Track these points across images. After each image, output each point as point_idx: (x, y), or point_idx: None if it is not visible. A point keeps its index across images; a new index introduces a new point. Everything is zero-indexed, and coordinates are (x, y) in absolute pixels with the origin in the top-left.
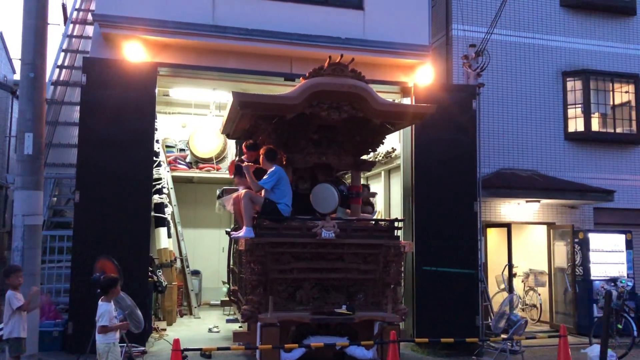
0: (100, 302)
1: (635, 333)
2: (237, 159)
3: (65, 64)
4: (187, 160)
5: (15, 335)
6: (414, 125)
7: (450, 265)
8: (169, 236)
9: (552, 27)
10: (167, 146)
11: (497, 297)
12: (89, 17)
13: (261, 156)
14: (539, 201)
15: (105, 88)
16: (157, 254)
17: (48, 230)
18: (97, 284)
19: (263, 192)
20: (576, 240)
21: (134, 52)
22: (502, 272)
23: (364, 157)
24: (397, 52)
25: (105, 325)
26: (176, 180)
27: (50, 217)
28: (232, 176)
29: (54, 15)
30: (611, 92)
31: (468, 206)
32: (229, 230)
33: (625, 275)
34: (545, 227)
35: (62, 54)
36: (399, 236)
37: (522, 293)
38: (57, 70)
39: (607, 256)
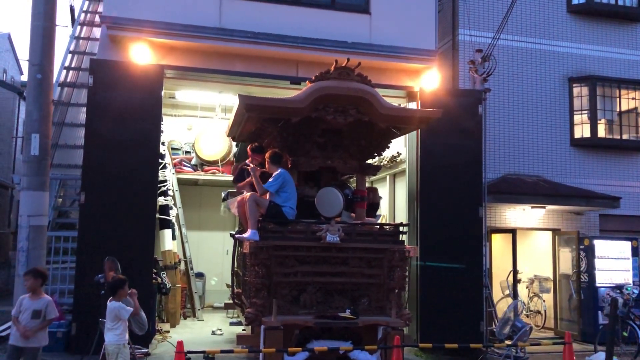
0: (111, 302)
1: None
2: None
3: (72, 65)
4: (193, 162)
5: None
6: (419, 130)
7: (454, 272)
8: (174, 238)
9: (559, 33)
10: (173, 148)
11: (501, 303)
12: (97, 19)
13: (266, 159)
14: (544, 207)
15: (111, 90)
16: (161, 256)
17: (53, 231)
18: (99, 285)
19: (268, 195)
20: (581, 246)
21: (141, 54)
22: (507, 278)
23: (369, 161)
24: (403, 57)
25: (130, 311)
26: (181, 182)
27: (55, 218)
28: (234, 182)
29: (62, 17)
30: (618, 99)
31: (473, 211)
32: (233, 232)
33: (631, 282)
34: (550, 233)
35: (69, 55)
36: (403, 241)
37: (527, 299)
38: (64, 71)
39: (613, 263)
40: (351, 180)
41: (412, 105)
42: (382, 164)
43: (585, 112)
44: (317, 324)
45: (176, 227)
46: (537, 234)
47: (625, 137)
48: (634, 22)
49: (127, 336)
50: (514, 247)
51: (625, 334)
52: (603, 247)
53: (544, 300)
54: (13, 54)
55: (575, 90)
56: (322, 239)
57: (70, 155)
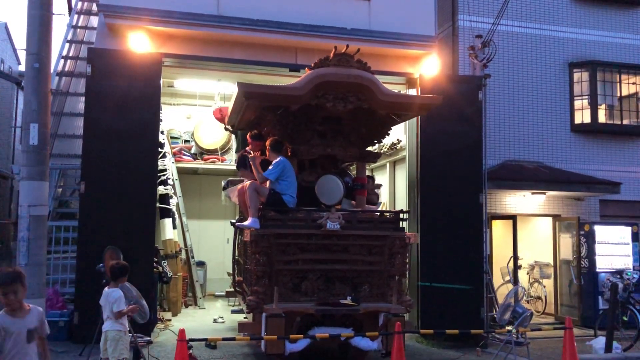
0: (109, 289)
1: None
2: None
3: (70, 54)
4: (192, 151)
5: None
6: (419, 117)
7: (454, 258)
8: (174, 227)
9: (559, 18)
10: (172, 137)
11: (502, 289)
12: (94, 7)
13: (267, 147)
14: (544, 193)
15: (110, 79)
16: (162, 245)
17: (53, 221)
18: (100, 274)
19: (268, 183)
20: (582, 232)
21: (139, 42)
22: (507, 264)
23: (369, 148)
24: (402, 43)
25: (121, 310)
26: (181, 171)
27: (55, 208)
28: (237, 169)
29: (59, 5)
30: (618, 84)
31: (473, 198)
32: (234, 221)
33: (631, 267)
34: (550, 219)
35: (67, 44)
36: (404, 228)
37: (527, 285)
38: (62, 60)
39: (613, 248)
40: (351, 168)
41: (412, 92)
42: (382, 151)
43: (586, 97)
44: (319, 311)
45: (176, 216)
46: (538, 220)
47: (625, 122)
48: (634, 7)
49: (127, 323)
50: (514, 233)
51: (625, 318)
52: (603, 233)
53: (544, 286)
54: (10, 44)
55: (576, 76)
56: (322, 226)
57: (70, 145)
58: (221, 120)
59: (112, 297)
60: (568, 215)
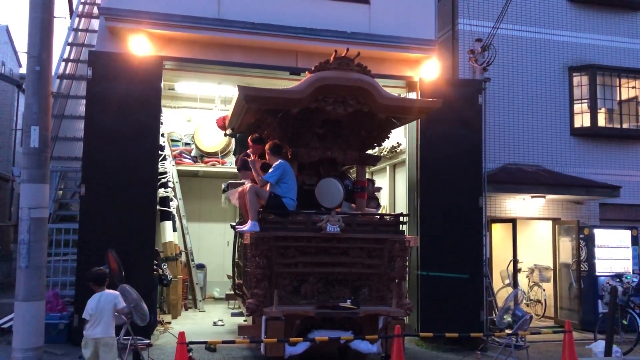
0: (99, 293)
1: None
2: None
3: (71, 57)
4: (192, 154)
5: None
6: (419, 120)
7: (454, 261)
8: (174, 230)
9: (559, 22)
10: (173, 140)
11: (501, 293)
12: (95, 10)
13: (267, 151)
14: (544, 196)
15: (111, 82)
16: (162, 248)
17: (54, 224)
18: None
19: (268, 186)
20: (581, 236)
21: (140, 45)
22: (507, 268)
23: (369, 151)
24: (403, 47)
25: (123, 308)
26: (181, 174)
27: (56, 211)
28: (238, 171)
29: (60, 8)
30: (618, 88)
31: (473, 201)
32: (234, 224)
33: (631, 271)
34: (550, 222)
35: (68, 47)
36: (404, 231)
37: (527, 288)
38: (63, 63)
39: (613, 252)
40: (351, 171)
41: (412, 95)
42: (382, 154)
43: (585, 101)
44: (318, 314)
45: (177, 218)
46: (537, 224)
47: (625, 126)
48: (634, 10)
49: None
50: (514, 236)
51: (625, 322)
52: (603, 236)
53: (544, 290)
54: (11, 46)
55: (575, 80)
56: (322, 229)
57: (71, 148)
58: (223, 129)
59: (112, 297)
60: (568, 219)
